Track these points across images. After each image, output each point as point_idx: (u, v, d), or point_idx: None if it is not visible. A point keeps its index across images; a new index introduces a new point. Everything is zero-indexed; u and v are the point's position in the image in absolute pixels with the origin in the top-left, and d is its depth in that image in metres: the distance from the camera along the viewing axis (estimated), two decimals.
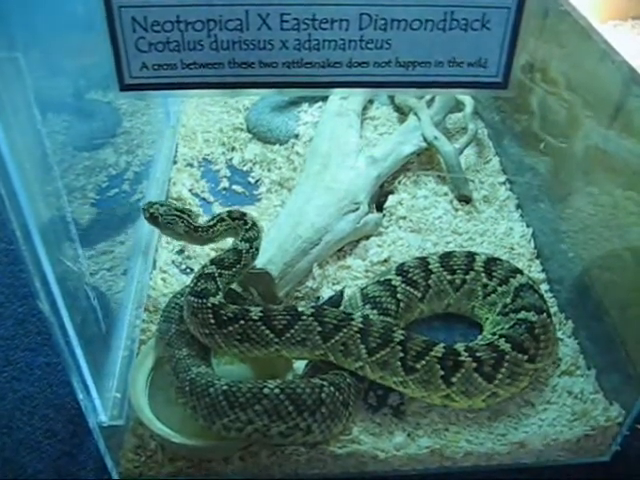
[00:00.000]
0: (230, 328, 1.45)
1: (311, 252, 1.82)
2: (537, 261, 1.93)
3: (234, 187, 2.22)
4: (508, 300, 1.65)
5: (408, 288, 1.68)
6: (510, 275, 1.69)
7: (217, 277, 1.56)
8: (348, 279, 1.86)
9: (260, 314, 1.46)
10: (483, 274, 1.71)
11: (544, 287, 1.84)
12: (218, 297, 1.50)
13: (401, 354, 1.46)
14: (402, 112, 2.45)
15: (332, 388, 1.43)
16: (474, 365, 1.46)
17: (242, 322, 1.45)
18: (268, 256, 1.74)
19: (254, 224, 1.69)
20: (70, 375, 1.28)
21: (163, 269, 1.88)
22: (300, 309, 1.49)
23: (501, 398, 1.51)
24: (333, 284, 1.85)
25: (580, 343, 1.69)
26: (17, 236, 1.06)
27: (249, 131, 2.42)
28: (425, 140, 2.20)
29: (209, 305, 1.47)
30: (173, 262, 1.91)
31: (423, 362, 1.45)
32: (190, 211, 1.73)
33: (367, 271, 1.87)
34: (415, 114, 2.29)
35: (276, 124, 2.39)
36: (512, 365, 1.49)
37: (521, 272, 1.71)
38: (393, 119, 2.46)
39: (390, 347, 1.46)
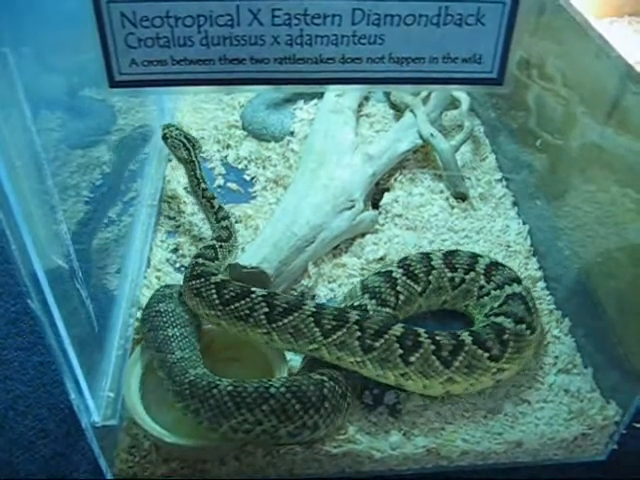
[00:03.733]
0: (193, 282, 1.56)
1: (306, 250, 1.82)
2: (533, 259, 1.92)
3: (229, 185, 2.20)
4: (496, 305, 1.65)
5: (409, 281, 1.69)
6: (507, 282, 1.68)
7: (217, 248, 1.75)
8: (343, 277, 1.85)
9: (218, 281, 1.54)
10: (482, 276, 1.71)
11: (540, 285, 1.84)
12: (210, 263, 1.66)
13: (358, 333, 1.46)
14: (398, 109, 2.44)
15: (332, 382, 1.43)
16: (432, 347, 1.47)
17: (202, 280, 1.55)
18: (263, 254, 1.73)
19: (220, 206, 1.91)
20: (62, 375, 1.27)
21: (157, 267, 1.87)
22: (254, 289, 1.51)
23: (460, 386, 1.50)
24: (329, 282, 1.84)
25: (577, 341, 1.69)
26: (7, 235, 1.05)
27: (244, 128, 2.41)
28: (421, 137, 2.19)
29: (194, 262, 1.64)
30: (167, 260, 1.91)
31: (382, 340, 1.46)
32: (196, 142, 2.04)
33: (363, 269, 1.87)
34: (411, 111, 2.28)
35: (271, 121, 2.38)
36: (470, 357, 1.48)
37: (520, 282, 1.69)
38: (389, 116, 2.45)
39: (346, 328, 1.47)
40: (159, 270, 1.86)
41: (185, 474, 1.42)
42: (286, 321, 1.47)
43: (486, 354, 1.50)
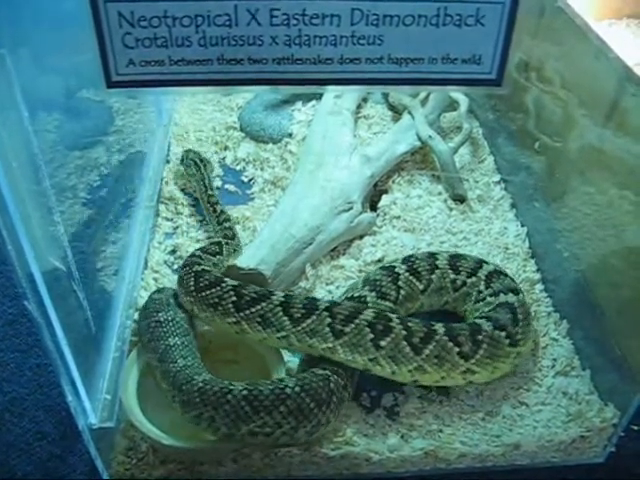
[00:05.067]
0: (181, 271, 1.63)
1: (304, 252, 1.81)
2: (532, 261, 1.92)
3: (227, 186, 2.20)
4: (486, 309, 1.64)
5: (411, 278, 1.69)
6: (504, 291, 1.66)
7: (224, 244, 1.80)
8: (341, 279, 1.85)
9: (199, 270, 1.59)
10: (483, 282, 1.70)
11: (539, 287, 1.83)
12: (210, 257, 1.72)
13: (329, 320, 1.47)
14: (396, 111, 2.44)
15: (336, 376, 1.44)
16: (404, 333, 1.47)
17: (187, 269, 1.61)
18: (261, 256, 1.73)
19: (222, 211, 1.96)
20: (59, 377, 1.26)
21: (155, 269, 1.86)
22: (226, 279, 1.56)
23: (429, 377, 1.50)
24: (326, 284, 1.83)
25: (575, 343, 1.68)
26: (4, 236, 1.05)
27: (242, 130, 2.41)
28: (419, 139, 2.19)
29: (190, 254, 1.72)
30: (165, 262, 1.90)
31: (352, 325, 1.47)
32: (208, 162, 2.17)
33: (360, 271, 1.86)
34: (409, 113, 2.28)
35: (269, 123, 2.37)
36: (440, 348, 1.48)
37: (517, 293, 1.66)
38: (387, 118, 2.45)
39: (316, 315, 1.48)
40: (157, 272, 1.86)
41: (182, 476, 1.42)
42: (254, 310, 1.49)
43: (456, 348, 1.49)
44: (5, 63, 1.01)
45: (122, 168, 1.90)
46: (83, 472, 1.48)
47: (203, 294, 1.54)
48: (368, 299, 1.63)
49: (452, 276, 1.71)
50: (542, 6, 1.63)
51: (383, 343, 1.46)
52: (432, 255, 1.75)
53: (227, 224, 1.91)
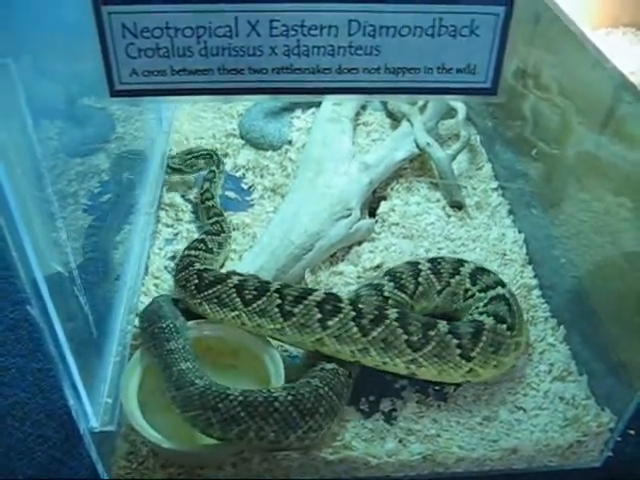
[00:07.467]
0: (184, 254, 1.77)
1: (304, 258, 1.83)
2: (529, 267, 1.93)
3: (227, 193, 2.21)
4: (467, 322, 1.62)
5: (431, 276, 1.71)
6: (489, 314, 1.60)
7: (221, 222, 1.94)
8: (340, 285, 1.86)
9: (184, 254, 1.75)
10: (485, 300, 1.66)
11: (536, 293, 1.84)
12: (216, 238, 1.87)
13: (278, 301, 1.51)
14: (395, 118, 2.45)
15: (343, 369, 1.48)
16: (353, 314, 1.49)
17: (186, 252, 1.78)
18: (260, 262, 1.75)
19: (207, 189, 2.08)
20: (61, 381, 1.27)
21: (155, 275, 1.87)
22: (196, 264, 1.68)
23: (372, 360, 1.50)
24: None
25: (572, 349, 1.69)
26: (7, 241, 1.06)
27: (242, 137, 2.42)
28: (417, 146, 2.20)
29: (196, 238, 1.88)
30: (165, 268, 1.91)
31: (301, 306, 1.50)
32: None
33: (359, 277, 1.87)
34: (408, 120, 2.29)
35: (269, 130, 2.39)
36: (389, 333, 1.48)
37: (500, 320, 1.58)
38: (386, 125, 2.46)
39: (267, 296, 1.52)
40: (157, 277, 1.87)
41: None
42: (211, 291, 1.57)
43: (404, 336, 1.48)
44: (10, 72, 1.03)
45: (123, 175, 1.91)
46: (84, 476, 1.49)
47: (178, 276, 1.67)
48: (385, 288, 1.65)
49: (467, 285, 1.71)
50: (538, 14, 1.64)
51: (330, 323, 1.48)
52: (459, 261, 1.76)
53: (209, 202, 2.02)
